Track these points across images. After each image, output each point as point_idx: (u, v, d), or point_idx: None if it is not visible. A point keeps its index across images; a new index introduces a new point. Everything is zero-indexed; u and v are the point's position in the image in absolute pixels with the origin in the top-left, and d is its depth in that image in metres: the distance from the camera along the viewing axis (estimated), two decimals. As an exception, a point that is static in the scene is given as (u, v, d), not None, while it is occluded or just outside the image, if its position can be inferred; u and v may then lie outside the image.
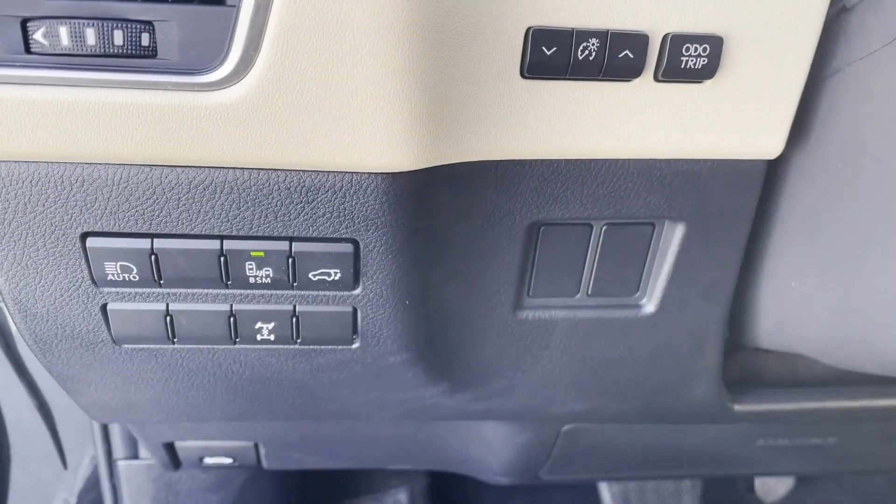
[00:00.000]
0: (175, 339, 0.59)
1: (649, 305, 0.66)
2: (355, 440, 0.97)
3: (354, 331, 0.61)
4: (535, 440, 0.92)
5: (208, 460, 0.97)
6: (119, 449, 1.07)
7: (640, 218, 0.60)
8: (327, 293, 0.57)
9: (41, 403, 1.18)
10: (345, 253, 0.54)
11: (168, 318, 0.57)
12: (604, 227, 0.61)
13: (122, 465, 1.08)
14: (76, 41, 0.42)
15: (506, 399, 0.74)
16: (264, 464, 0.99)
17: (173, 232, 0.52)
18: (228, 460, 0.97)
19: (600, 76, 0.49)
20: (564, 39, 0.47)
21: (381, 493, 1.43)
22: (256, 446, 0.96)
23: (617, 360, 0.70)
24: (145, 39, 0.43)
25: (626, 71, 0.49)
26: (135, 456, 1.07)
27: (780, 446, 0.97)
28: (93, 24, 0.42)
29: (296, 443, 0.96)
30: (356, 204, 0.51)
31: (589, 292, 0.65)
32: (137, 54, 0.43)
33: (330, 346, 0.62)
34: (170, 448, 0.94)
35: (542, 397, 0.74)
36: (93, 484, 1.20)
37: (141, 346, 0.60)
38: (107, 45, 0.43)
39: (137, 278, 0.54)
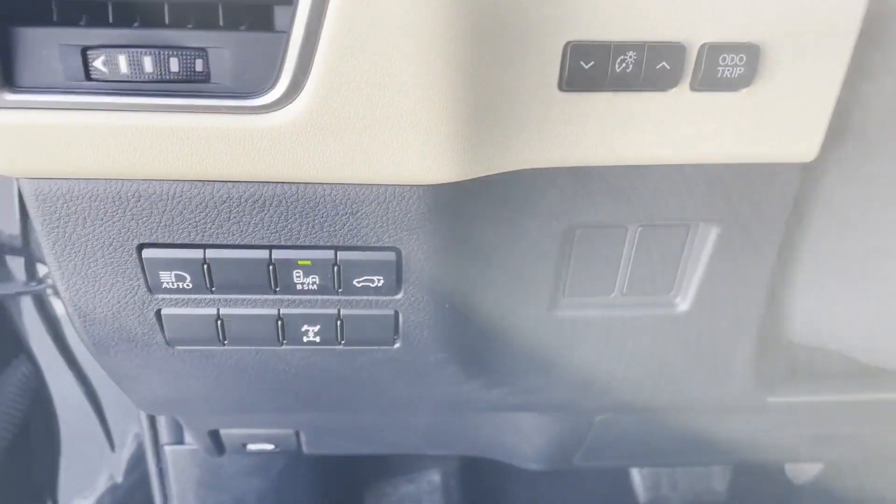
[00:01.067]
0: (225, 341, 0.61)
1: (684, 304, 0.67)
2: (393, 427, 0.99)
3: (396, 332, 0.62)
4: (569, 430, 0.94)
5: (251, 446, 1.01)
6: (165, 435, 1.11)
7: (675, 220, 0.61)
8: (370, 298, 0.59)
9: (89, 390, 1.23)
10: (388, 261, 0.56)
11: (219, 322, 0.60)
12: (639, 230, 0.61)
13: (168, 450, 1.12)
14: (134, 68, 0.44)
15: (541, 394, 0.76)
16: (304, 449, 1.02)
17: (225, 243, 0.54)
18: (270, 446, 1.01)
19: (637, 87, 0.50)
20: (602, 53, 0.48)
21: (416, 475, 1.46)
22: (297, 433, 0.99)
23: (651, 357, 0.71)
24: (199, 65, 0.45)
25: (663, 81, 0.50)
26: (180, 441, 1.11)
27: (813, 435, 0.97)
28: (150, 53, 0.44)
29: (335, 430, 0.99)
30: (399, 214, 0.53)
31: (623, 291, 0.66)
32: (192, 79, 0.45)
33: (372, 347, 0.64)
34: (214, 436, 0.98)
35: (576, 392, 0.76)
36: (135, 463, 1.25)
37: (192, 347, 0.63)
38: (163, 72, 0.44)
39: (191, 286, 0.56)
